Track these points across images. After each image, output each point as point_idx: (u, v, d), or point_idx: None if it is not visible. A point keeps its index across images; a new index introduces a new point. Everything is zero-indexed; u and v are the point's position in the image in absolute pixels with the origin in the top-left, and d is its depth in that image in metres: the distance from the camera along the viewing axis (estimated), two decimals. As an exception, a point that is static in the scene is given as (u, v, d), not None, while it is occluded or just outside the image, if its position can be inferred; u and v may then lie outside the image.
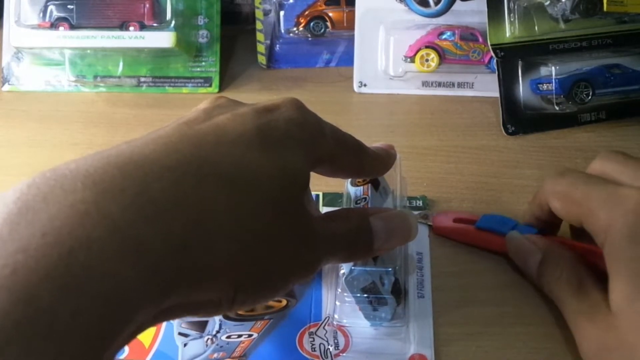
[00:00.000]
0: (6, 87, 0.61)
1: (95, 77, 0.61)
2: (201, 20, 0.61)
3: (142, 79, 0.61)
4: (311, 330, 0.38)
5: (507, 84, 0.56)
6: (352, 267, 0.35)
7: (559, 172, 0.38)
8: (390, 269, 0.35)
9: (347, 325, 0.37)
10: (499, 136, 0.55)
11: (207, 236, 0.24)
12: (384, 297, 0.36)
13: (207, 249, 0.24)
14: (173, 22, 0.58)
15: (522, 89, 0.56)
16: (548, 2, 0.55)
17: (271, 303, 0.39)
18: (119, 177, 0.23)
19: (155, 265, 0.22)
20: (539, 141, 0.54)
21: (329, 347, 0.37)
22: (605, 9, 0.53)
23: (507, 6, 0.54)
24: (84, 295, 0.20)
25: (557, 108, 0.55)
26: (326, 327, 0.38)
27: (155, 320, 0.25)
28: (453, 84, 0.60)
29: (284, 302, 0.39)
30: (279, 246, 0.27)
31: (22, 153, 0.53)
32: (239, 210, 0.25)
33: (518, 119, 0.55)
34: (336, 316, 0.37)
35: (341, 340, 0.37)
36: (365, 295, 0.36)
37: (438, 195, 0.48)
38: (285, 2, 0.63)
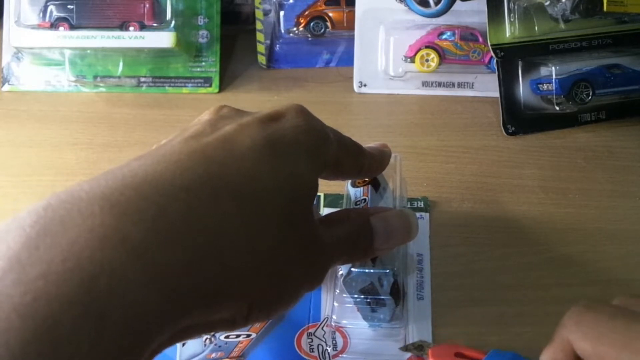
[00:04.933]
0: (6, 87, 0.61)
1: (95, 77, 0.61)
2: (201, 20, 0.61)
3: (142, 79, 0.61)
4: (310, 330, 0.38)
5: (507, 84, 0.56)
6: (351, 269, 0.35)
7: (581, 304, 0.30)
8: (388, 271, 0.35)
9: (345, 326, 0.37)
10: (499, 136, 0.55)
11: (222, 257, 0.24)
12: (383, 298, 0.36)
13: (222, 270, 0.24)
14: (173, 22, 0.58)
15: (522, 89, 0.56)
16: (548, 2, 0.55)
17: None
18: (135, 199, 0.23)
19: (174, 290, 0.22)
20: (539, 141, 0.54)
21: (327, 348, 0.37)
22: (605, 9, 0.53)
23: (507, 6, 0.54)
24: (105, 322, 0.20)
25: (557, 108, 0.55)
26: (325, 328, 0.38)
27: (171, 341, 0.25)
28: (453, 84, 0.60)
29: None
30: (291, 259, 0.27)
31: (22, 153, 0.53)
32: (251, 227, 0.25)
33: (518, 119, 0.55)
34: (335, 317, 0.37)
35: (339, 341, 0.37)
36: (363, 296, 0.36)
37: (438, 195, 0.48)
38: (285, 2, 0.63)
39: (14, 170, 0.51)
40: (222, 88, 0.61)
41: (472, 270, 0.42)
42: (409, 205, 0.46)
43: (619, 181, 0.50)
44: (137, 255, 0.21)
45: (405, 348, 0.37)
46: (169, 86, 0.61)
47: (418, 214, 0.45)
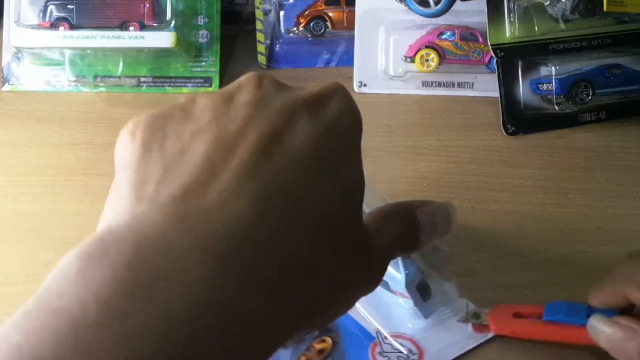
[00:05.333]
0: (6, 87, 0.61)
1: (95, 77, 0.61)
2: (201, 20, 0.61)
3: (142, 79, 0.61)
4: (376, 351, 0.37)
5: (507, 84, 0.56)
6: (406, 271, 0.35)
7: (632, 254, 0.32)
8: (445, 250, 0.36)
9: (403, 333, 0.37)
10: (499, 136, 0.55)
11: (300, 288, 0.23)
12: (429, 287, 0.36)
13: (300, 301, 0.24)
14: (173, 22, 0.58)
15: (522, 89, 0.56)
16: (548, 2, 0.55)
17: (321, 346, 0.37)
18: (231, 251, 0.21)
19: (267, 346, 0.22)
20: (539, 141, 0.54)
21: (408, 354, 0.36)
22: (605, 9, 0.53)
23: (507, 6, 0.54)
24: None
25: (557, 108, 0.55)
26: (386, 341, 0.37)
27: None
28: (453, 84, 0.60)
29: (329, 340, 0.38)
30: (350, 265, 0.26)
31: (22, 153, 0.53)
32: (322, 253, 0.24)
33: (518, 119, 0.55)
34: (409, 325, 0.37)
35: (410, 346, 0.36)
36: (419, 291, 0.36)
37: (438, 195, 0.48)
38: (285, 2, 0.63)
39: (14, 170, 0.51)
40: (222, 88, 0.61)
41: (471, 270, 0.42)
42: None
43: (619, 181, 0.50)
44: (235, 318, 0.21)
45: (464, 320, 0.37)
46: (169, 86, 0.61)
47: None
